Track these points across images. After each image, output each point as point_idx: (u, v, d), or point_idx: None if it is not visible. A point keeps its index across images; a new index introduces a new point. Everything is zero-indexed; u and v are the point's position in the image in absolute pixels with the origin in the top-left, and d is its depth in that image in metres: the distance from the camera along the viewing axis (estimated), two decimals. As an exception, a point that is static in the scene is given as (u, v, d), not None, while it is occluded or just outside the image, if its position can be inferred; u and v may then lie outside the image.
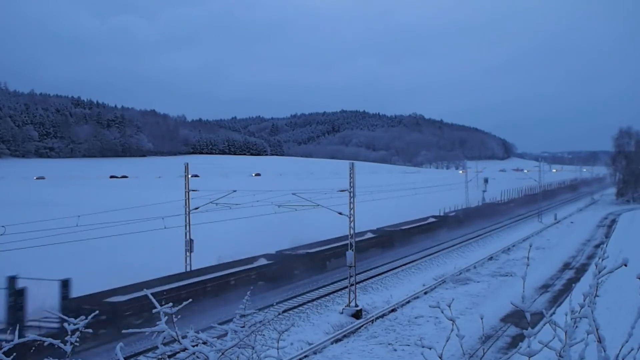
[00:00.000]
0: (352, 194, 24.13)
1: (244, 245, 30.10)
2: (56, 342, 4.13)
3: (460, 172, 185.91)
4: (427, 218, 49.88)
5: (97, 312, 4.88)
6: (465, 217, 54.26)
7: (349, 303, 23.89)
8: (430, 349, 3.93)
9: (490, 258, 37.70)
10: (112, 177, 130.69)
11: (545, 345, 3.37)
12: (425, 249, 39.86)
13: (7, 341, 4.08)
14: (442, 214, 54.20)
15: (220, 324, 10.13)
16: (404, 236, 41.90)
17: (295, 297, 25.58)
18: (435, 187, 65.34)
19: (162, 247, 30.23)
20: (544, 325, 3.54)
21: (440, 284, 29.66)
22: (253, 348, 5.00)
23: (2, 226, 18.18)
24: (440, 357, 3.75)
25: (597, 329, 3.15)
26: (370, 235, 38.43)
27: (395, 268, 33.09)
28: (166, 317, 4.30)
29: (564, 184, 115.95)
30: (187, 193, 26.86)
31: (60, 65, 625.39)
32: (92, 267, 26.35)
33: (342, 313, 23.53)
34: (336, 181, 46.28)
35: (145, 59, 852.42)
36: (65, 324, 4.21)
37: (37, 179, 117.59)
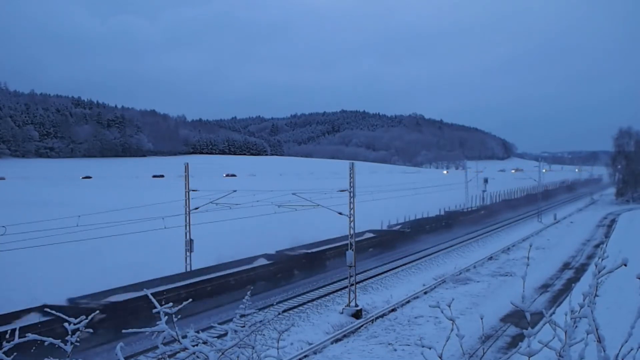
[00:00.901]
0: (352, 194, 24.13)
1: (244, 245, 30.10)
2: (56, 342, 4.13)
3: (445, 172, 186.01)
4: (364, 233, 38.10)
5: (97, 311, 4.89)
6: (414, 232, 43.72)
7: (349, 303, 23.87)
8: (430, 348, 3.94)
9: (490, 258, 37.71)
10: (85, 177, 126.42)
11: (545, 345, 3.38)
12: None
13: (7, 341, 4.08)
14: (385, 227, 43.97)
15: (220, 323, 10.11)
16: (314, 261, 30.95)
17: (294, 297, 25.55)
18: (435, 187, 65.38)
19: (162, 247, 30.24)
20: (544, 325, 3.54)
21: (440, 284, 29.66)
22: (253, 348, 5.01)
23: (2, 226, 18.17)
24: (440, 357, 3.75)
25: (597, 329, 3.15)
26: (263, 261, 28.61)
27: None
28: (166, 317, 4.31)
29: (561, 184, 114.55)
30: (187, 193, 26.86)
31: (60, 65, 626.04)
32: (92, 267, 26.39)
33: (342, 313, 23.52)
34: (336, 181, 46.24)
35: (145, 59, 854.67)
36: (65, 324, 4.21)
37: None
